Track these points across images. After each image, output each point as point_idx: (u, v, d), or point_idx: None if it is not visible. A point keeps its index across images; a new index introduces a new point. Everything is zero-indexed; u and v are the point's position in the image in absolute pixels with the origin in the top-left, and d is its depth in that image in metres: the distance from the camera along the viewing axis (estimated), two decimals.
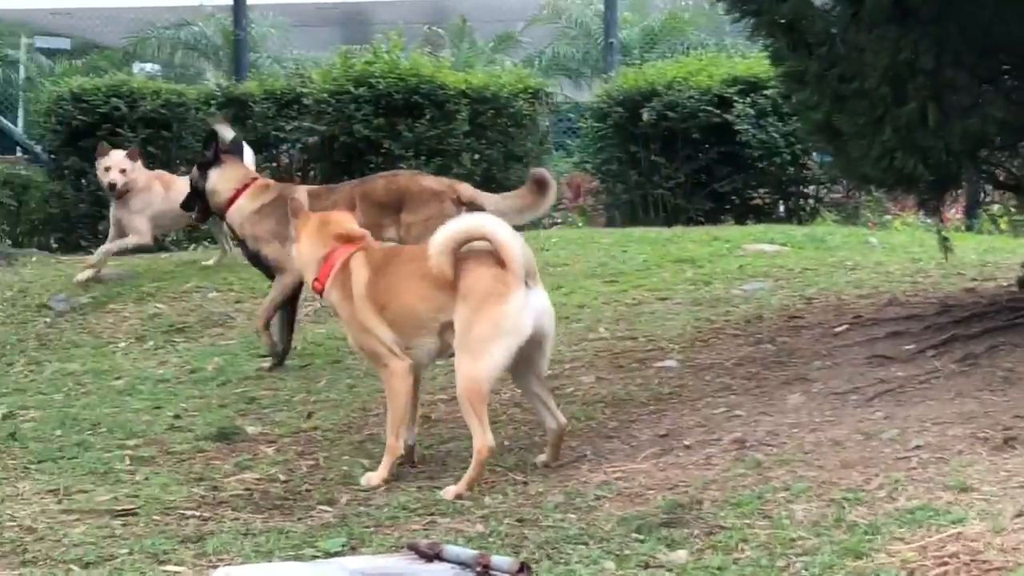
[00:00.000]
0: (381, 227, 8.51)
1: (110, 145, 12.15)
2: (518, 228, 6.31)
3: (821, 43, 7.35)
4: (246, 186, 8.70)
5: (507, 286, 5.90)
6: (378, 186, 8.68)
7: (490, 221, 6.07)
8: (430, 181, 8.77)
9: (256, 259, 8.71)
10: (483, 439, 5.88)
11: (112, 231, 11.70)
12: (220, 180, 8.71)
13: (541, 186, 8.30)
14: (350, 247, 6.40)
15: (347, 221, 6.63)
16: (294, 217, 6.60)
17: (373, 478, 6.11)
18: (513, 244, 5.93)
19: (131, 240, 11.53)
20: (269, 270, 8.71)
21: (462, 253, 5.96)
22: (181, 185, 10.51)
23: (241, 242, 8.76)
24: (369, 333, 6.24)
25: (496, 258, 5.92)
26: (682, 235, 12.64)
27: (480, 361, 5.89)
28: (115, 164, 11.50)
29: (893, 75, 7.03)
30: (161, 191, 11.62)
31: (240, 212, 8.65)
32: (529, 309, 5.92)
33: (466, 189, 8.58)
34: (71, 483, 6.25)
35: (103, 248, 11.66)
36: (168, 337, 9.84)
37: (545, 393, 6.23)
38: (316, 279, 6.39)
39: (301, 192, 8.67)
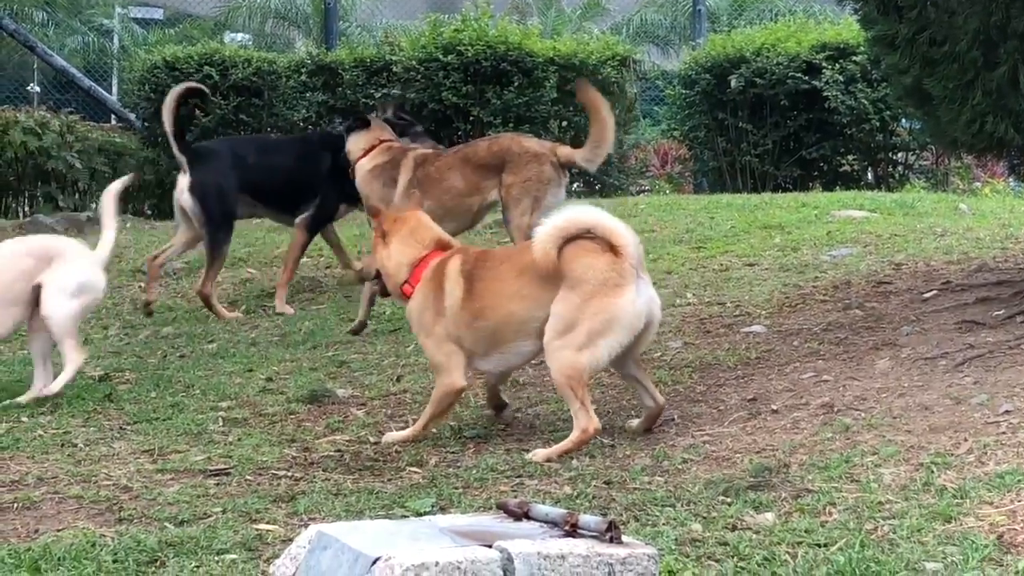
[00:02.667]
0: (481, 189, 8.68)
1: None
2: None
3: (911, 6, 7.27)
4: (373, 147, 9.16)
5: (623, 276, 5.72)
6: (480, 148, 8.94)
7: (596, 212, 5.87)
8: (532, 143, 8.86)
9: None
10: (588, 420, 5.76)
11: None
12: (354, 142, 9.26)
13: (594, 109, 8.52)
14: (441, 253, 6.27)
15: (434, 224, 6.48)
16: (373, 216, 6.54)
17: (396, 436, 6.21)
18: (626, 232, 5.76)
19: None
20: None
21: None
22: None
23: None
24: (446, 344, 6.13)
25: (605, 246, 5.76)
26: (770, 201, 12.58)
27: (585, 352, 5.74)
28: None
29: (984, 38, 6.94)
30: None
31: (360, 171, 9.15)
32: (642, 300, 5.77)
33: (564, 151, 8.66)
34: (165, 443, 6.31)
35: None
36: (260, 302, 9.92)
37: (642, 374, 6.10)
38: (407, 282, 6.27)
39: (409, 157, 8.92)
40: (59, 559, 4.49)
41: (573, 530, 3.28)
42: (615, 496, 5.11)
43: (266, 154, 10.13)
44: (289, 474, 5.74)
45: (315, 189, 9.95)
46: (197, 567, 4.41)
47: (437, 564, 3.00)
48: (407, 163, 8.93)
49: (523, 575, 3.04)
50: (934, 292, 7.79)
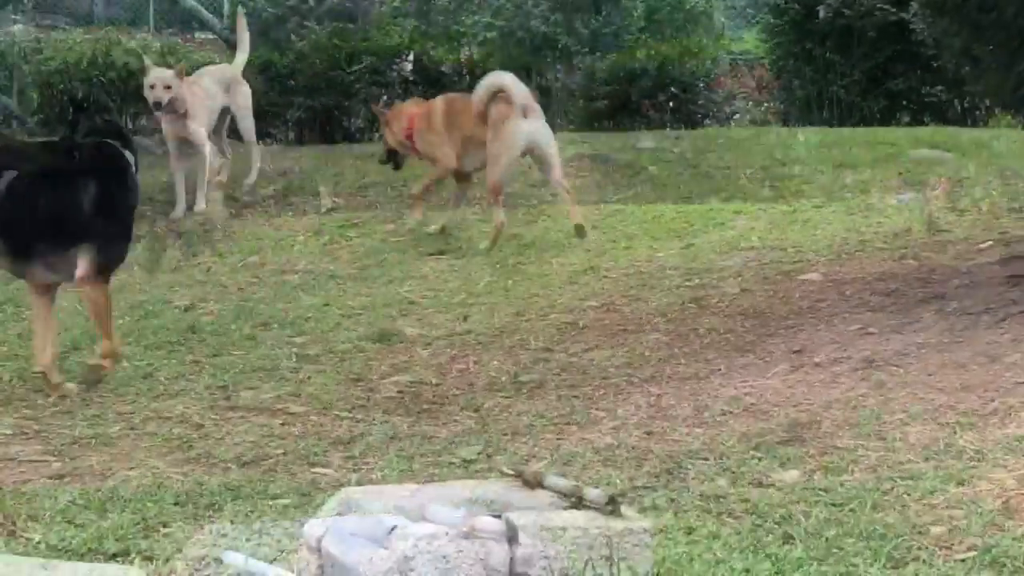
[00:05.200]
0: None
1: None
2: None
3: None
4: None
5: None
6: None
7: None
8: None
9: None
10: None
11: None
12: None
13: None
14: None
15: None
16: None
17: None
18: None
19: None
20: None
21: None
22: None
23: None
24: None
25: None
26: (849, 137, 12.59)
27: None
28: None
29: None
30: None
31: None
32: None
33: None
34: (240, 379, 6.59)
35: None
36: (343, 232, 10.16)
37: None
38: None
39: None
40: (126, 500, 4.66)
41: (578, 502, 3.53)
42: (653, 448, 5.24)
43: None
44: (351, 415, 5.98)
45: None
46: (251, 511, 4.62)
47: (447, 534, 3.26)
48: None
49: (526, 544, 3.28)
50: (989, 243, 7.86)
